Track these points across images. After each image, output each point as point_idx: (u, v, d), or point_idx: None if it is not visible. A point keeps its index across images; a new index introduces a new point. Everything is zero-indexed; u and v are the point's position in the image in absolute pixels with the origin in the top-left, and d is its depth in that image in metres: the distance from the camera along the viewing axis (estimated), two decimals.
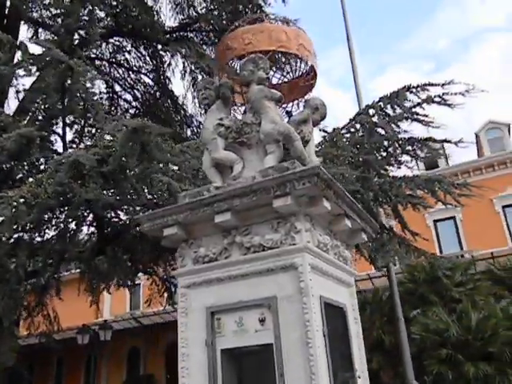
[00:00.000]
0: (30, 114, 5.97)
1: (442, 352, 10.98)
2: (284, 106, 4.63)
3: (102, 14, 9.49)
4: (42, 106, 5.57)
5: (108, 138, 5.13)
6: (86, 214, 6.54)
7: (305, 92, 4.64)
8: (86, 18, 5.94)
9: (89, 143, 5.79)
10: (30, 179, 5.10)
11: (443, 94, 6.17)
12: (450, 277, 12.92)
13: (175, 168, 5.90)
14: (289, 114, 4.67)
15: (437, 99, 6.17)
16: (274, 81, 4.60)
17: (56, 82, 5.09)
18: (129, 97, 12.75)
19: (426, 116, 6.22)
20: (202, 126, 4.07)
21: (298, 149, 3.64)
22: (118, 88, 12.74)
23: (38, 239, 6.27)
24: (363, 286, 14.79)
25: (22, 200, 4.19)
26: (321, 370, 2.92)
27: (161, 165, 5.28)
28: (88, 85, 5.16)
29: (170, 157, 5.13)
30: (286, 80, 4.69)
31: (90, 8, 6.09)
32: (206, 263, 3.48)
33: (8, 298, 5.57)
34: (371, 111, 6.21)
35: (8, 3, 7.43)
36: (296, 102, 4.71)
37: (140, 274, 10.75)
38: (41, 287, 7.90)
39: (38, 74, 5.58)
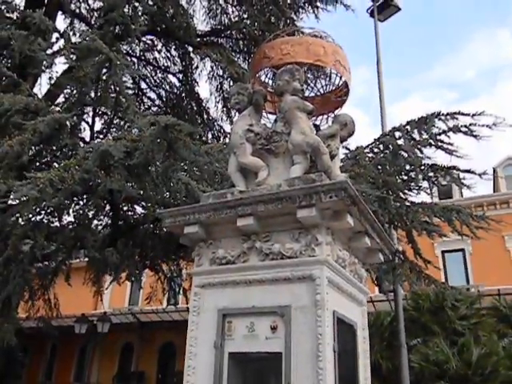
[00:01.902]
0: (63, 100, 6.10)
1: None
2: (313, 119, 4.67)
3: (139, 12, 9.67)
4: (76, 94, 5.68)
5: (135, 131, 5.21)
6: (103, 204, 6.61)
7: (335, 107, 4.67)
8: (129, 14, 6.07)
9: (116, 134, 5.88)
10: (56, 164, 5.20)
11: (470, 124, 6.17)
12: (454, 309, 12.76)
13: (195, 169, 5.96)
14: (317, 127, 4.71)
15: (463, 129, 6.17)
16: (307, 93, 4.63)
17: (94, 72, 5.21)
18: (153, 95, 12.90)
19: (451, 144, 6.22)
20: (232, 130, 4.12)
21: (325, 162, 3.66)
22: (143, 85, 12.92)
23: (56, 224, 6.36)
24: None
25: (48, 182, 4.27)
26: None
27: (183, 164, 5.34)
28: (124, 78, 5.26)
29: (195, 156, 5.19)
30: (318, 94, 4.73)
31: (135, 4, 6.23)
32: (222, 265, 3.50)
33: (19, 278, 5.65)
34: (397, 134, 6.23)
35: None
36: (325, 116, 4.75)
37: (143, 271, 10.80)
38: (50, 271, 7.96)
39: (74, 62, 5.70)
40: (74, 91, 5.58)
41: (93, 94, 5.70)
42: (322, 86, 4.71)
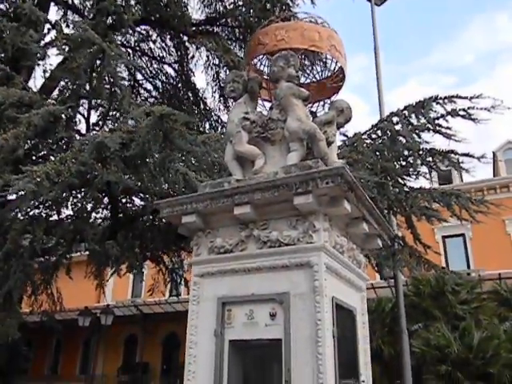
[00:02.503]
0: (58, 92, 6.05)
1: (441, 368, 10.91)
2: (309, 105, 4.63)
3: (132, 1, 9.57)
4: (70, 86, 5.63)
5: (131, 122, 5.17)
6: (102, 196, 6.59)
7: (331, 93, 4.63)
8: (121, 3, 5.98)
9: (111, 126, 5.84)
10: (52, 157, 5.17)
11: (469, 107, 6.12)
12: (455, 294, 12.82)
13: (193, 159, 5.92)
14: (313, 114, 4.67)
15: (462, 112, 6.12)
16: (302, 80, 4.59)
17: (87, 64, 5.15)
18: (149, 86, 12.80)
19: (449, 128, 6.18)
20: (228, 119, 4.09)
21: (321, 149, 3.63)
22: (139, 76, 12.80)
23: (55, 218, 6.35)
24: (366, 295, 14.73)
25: (45, 176, 4.25)
26: (328, 370, 2.93)
27: (180, 154, 5.31)
28: (119, 69, 5.21)
29: (192, 146, 5.16)
30: (314, 80, 4.69)
31: None
32: (221, 254, 3.50)
33: (20, 273, 5.66)
34: (395, 119, 6.18)
35: None
36: (322, 102, 4.71)
37: (145, 263, 10.81)
38: (51, 265, 7.98)
39: (67, 53, 5.64)
40: (69, 83, 5.52)
41: (88, 86, 5.65)
42: (318, 72, 4.67)
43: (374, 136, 6.25)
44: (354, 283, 3.77)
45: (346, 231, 3.68)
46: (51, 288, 10.79)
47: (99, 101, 6.01)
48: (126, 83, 12.17)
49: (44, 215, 5.95)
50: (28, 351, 19.76)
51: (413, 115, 6.06)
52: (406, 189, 6.57)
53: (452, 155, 6.25)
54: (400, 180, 6.49)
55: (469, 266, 18.35)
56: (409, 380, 7.97)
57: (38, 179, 4.15)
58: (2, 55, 6.69)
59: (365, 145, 5.97)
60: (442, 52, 63.60)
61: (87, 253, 8.77)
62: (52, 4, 10.24)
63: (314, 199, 3.17)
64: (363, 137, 6.16)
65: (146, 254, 8.42)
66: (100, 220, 7.86)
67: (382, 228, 3.99)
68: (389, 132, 6.05)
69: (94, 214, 7.20)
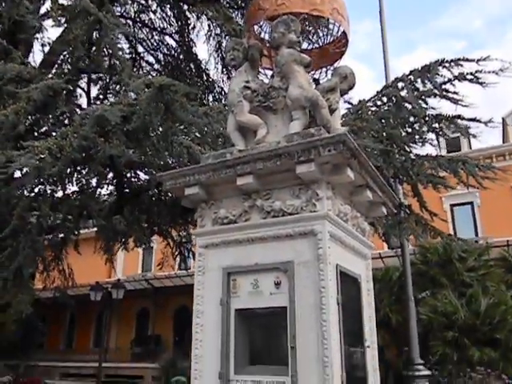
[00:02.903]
0: (56, 66, 5.96)
1: (448, 334, 11.08)
2: (312, 72, 4.53)
3: None
4: (69, 60, 5.54)
5: (132, 95, 5.10)
6: (106, 171, 6.59)
7: (334, 59, 4.52)
8: None
9: (113, 100, 5.77)
10: (54, 132, 5.14)
11: (476, 71, 5.94)
12: (462, 261, 12.86)
13: (196, 132, 5.86)
14: (316, 81, 4.56)
15: (469, 76, 5.95)
16: (304, 46, 4.46)
17: (83, 35, 5.04)
18: (151, 59, 12.59)
19: (456, 93, 6.02)
20: (228, 88, 4.01)
21: (324, 116, 3.56)
22: (140, 49, 12.57)
23: (60, 194, 6.38)
24: (374, 264, 14.72)
25: (47, 151, 4.24)
26: (332, 336, 2.96)
27: (183, 126, 5.25)
28: (117, 40, 5.10)
29: (193, 118, 5.09)
30: (316, 46, 4.57)
31: None
32: (225, 225, 3.50)
33: (29, 249, 5.74)
34: (400, 84, 6.03)
35: None
36: (324, 69, 4.60)
37: (154, 238, 10.92)
38: (59, 242, 8.08)
39: (65, 25, 5.53)
40: (67, 56, 5.43)
41: (87, 60, 5.55)
42: (320, 38, 4.53)
43: (378, 103, 6.11)
44: (358, 251, 3.76)
45: (350, 199, 3.65)
46: (62, 264, 10.96)
47: (99, 74, 5.92)
48: (127, 56, 12.03)
49: (49, 191, 5.98)
50: (43, 326, 20.33)
51: (418, 80, 5.90)
52: (412, 156, 6.48)
53: (459, 120, 6.12)
54: (406, 147, 6.39)
55: (477, 234, 18.32)
56: (415, 346, 8.09)
57: (41, 155, 4.15)
58: None
59: (370, 112, 5.85)
60: (452, 16, 61.66)
61: (95, 229, 8.88)
62: None
63: (316, 167, 3.13)
64: (368, 104, 6.04)
65: (153, 228, 8.48)
66: (106, 195, 7.89)
67: (387, 195, 3.95)
68: (394, 98, 5.92)
69: (99, 190, 7.22)
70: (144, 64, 12.59)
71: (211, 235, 3.55)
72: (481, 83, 6.00)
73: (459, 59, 5.86)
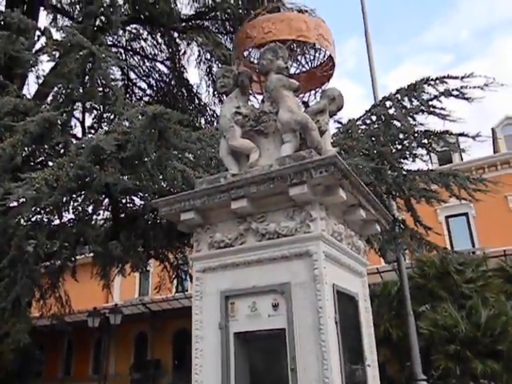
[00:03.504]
0: (51, 98, 6.08)
1: (449, 348, 11.01)
2: (301, 95, 4.65)
3: (120, 1, 9.55)
4: (63, 91, 5.66)
5: (126, 123, 5.20)
6: (102, 198, 6.64)
7: (322, 82, 4.64)
8: (108, 2, 5.97)
9: (107, 128, 5.87)
10: (50, 162, 5.21)
11: (461, 87, 6.12)
12: (460, 273, 12.87)
13: (190, 156, 5.96)
14: (305, 104, 4.69)
15: (455, 92, 6.12)
16: (292, 70, 4.60)
17: (78, 68, 5.17)
18: (143, 85, 12.81)
19: (443, 109, 6.18)
20: (220, 114, 4.11)
21: (314, 138, 3.65)
22: (133, 76, 12.80)
23: (57, 222, 6.41)
24: (372, 279, 14.79)
25: (43, 182, 4.29)
26: (332, 356, 2.98)
27: (177, 152, 5.34)
28: (109, 70, 5.22)
29: (186, 144, 5.18)
30: (304, 70, 4.70)
31: None
32: (221, 248, 3.54)
33: (26, 278, 5.74)
34: (388, 103, 6.19)
35: None
36: (313, 92, 4.72)
37: (150, 261, 10.90)
38: (56, 269, 8.06)
39: (58, 59, 5.67)
40: (62, 88, 5.55)
41: (81, 90, 5.66)
42: (307, 62, 4.67)
43: (368, 121, 6.26)
44: (354, 269, 3.81)
45: (344, 218, 3.72)
46: (59, 291, 10.90)
47: (93, 104, 6.03)
48: (120, 83, 12.26)
49: (46, 220, 6.01)
50: (40, 354, 19.99)
51: (405, 98, 6.07)
52: (404, 172, 6.59)
53: (447, 136, 6.26)
54: (397, 164, 6.51)
55: (474, 245, 18.37)
56: (417, 361, 8.06)
57: (37, 185, 4.20)
58: None
59: (360, 131, 5.98)
60: (437, 30, 63.09)
61: (92, 254, 8.87)
62: (42, 9, 10.23)
63: (308, 189, 3.21)
64: (358, 123, 6.17)
65: (149, 252, 8.48)
66: (102, 221, 7.92)
67: (380, 213, 4.02)
68: (383, 117, 6.07)
69: (95, 216, 7.25)
70: (136, 90, 12.81)
71: (208, 259, 3.59)
72: (466, 98, 6.16)
73: (444, 77, 6.04)
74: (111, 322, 16.00)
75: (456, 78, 6.00)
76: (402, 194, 6.89)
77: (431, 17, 61.00)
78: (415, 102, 6.09)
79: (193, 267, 3.70)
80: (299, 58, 4.99)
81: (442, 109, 6.20)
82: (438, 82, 6.04)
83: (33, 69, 6.39)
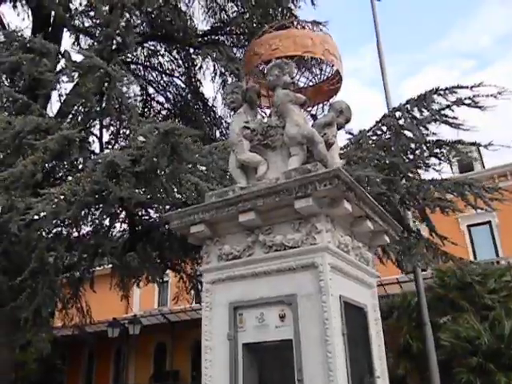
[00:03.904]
0: (71, 116, 6.34)
1: (472, 360, 10.75)
2: (309, 109, 4.73)
3: (138, 21, 9.91)
4: (82, 109, 5.90)
5: (141, 139, 5.38)
6: (118, 211, 6.83)
7: (330, 95, 4.72)
8: (124, 25, 6.22)
9: (123, 144, 6.08)
10: (70, 178, 5.42)
11: (474, 95, 6.10)
12: (482, 283, 12.57)
13: (203, 168, 6.10)
14: (314, 117, 4.77)
15: (467, 101, 6.10)
16: (301, 84, 4.69)
17: (95, 87, 5.41)
18: (161, 99, 13.15)
19: (456, 118, 6.16)
20: (229, 129, 4.23)
21: (321, 152, 3.72)
22: (151, 90, 13.18)
23: (75, 235, 6.63)
24: (392, 290, 14.61)
25: (62, 197, 4.48)
26: (338, 367, 3.01)
27: (190, 165, 5.48)
28: (124, 89, 5.44)
29: (198, 157, 5.32)
30: (311, 84, 4.78)
31: (128, 17, 6.39)
32: (229, 260, 3.62)
33: (47, 289, 5.94)
34: (398, 114, 6.21)
35: (53, 13, 7.92)
36: (321, 105, 4.80)
37: (168, 272, 11.07)
38: (76, 280, 8.28)
39: (78, 79, 5.93)
40: (80, 107, 5.80)
41: (98, 108, 5.89)
42: (316, 76, 4.75)
43: (379, 132, 6.29)
44: (362, 280, 3.83)
45: (351, 230, 3.76)
46: (80, 302, 11.15)
47: (110, 121, 6.26)
48: (139, 98, 12.65)
49: (65, 233, 6.22)
50: (62, 364, 20.35)
51: (415, 109, 6.08)
52: (417, 181, 6.56)
53: (459, 145, 6.23)
54: (410, 174, 6.49)
55: (497, 254, 17.91)
56: (435, 373, 7.91)
57: (56, 200, 4.39)
58: (20, 85, 7.03)
59: (370, 141, 6.01)
60: (459, 34, 62.31)
61: (111, 266, 9.07)
62: (65, 30, 10.65)
63: (314, 202, 3.26)
64: (368, 134, 6.21)
65: (166, 263, 8.63)
66: (119, 234, 8.12)
67: (388, 224, 4.04)
68: (393, 127, 6.09)
69: (112, 229, 7.45)
70: (155, 104, 13.16)
71: (217, 271, 3.67)
72: (479, 107, 6.13)
73: (454, 87, 6.04)
74: (130, 333, 16.19)
75: (466, 87, 5.99)
76: (417, 203, 6.85)
77: (448, 24, 60.43)
78: (425, 113, 6.10)
79: (203, 279, 3.79)
80: (307, 72, 5.09)
81: (454, 118, 6.18)
82: (447, 92, 6.04)
83: (55, 89, 6.67)
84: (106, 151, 5.56)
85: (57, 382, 19.75)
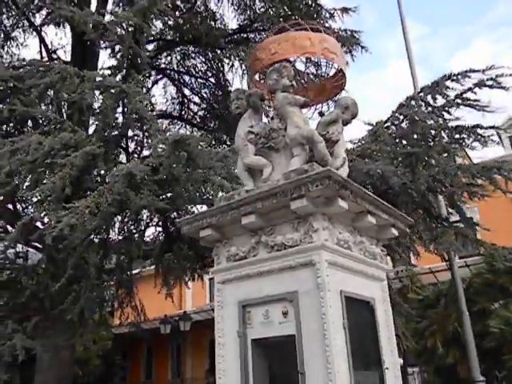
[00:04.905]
0: (93, 130, 6.80)
1: None
2: (317, 107, 4.81)
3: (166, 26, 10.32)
4: (108, 124, 6.33)
5: (161, 147, 5.69)
6: (152, 216, 7.23)
7: (336, 92, 4.76)
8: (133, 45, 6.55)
9: (147, 153, 6.44)
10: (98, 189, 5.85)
11: (496, 76, 5.84)
12: None
13: (218, 173, 6.32)
14: (321, 114, 4.83)
15: (489, 82, 5.86)
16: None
17: (113, 103, 5.82)
18: (197, 99, 13.59)
19: (478, 101, 5.94)
20: (236, 134, 4.41)
21: (320, 151, 3.81)
22: (187, 92, 13.65)
23: (111, 240, 7.10)
24: (442, 277, 14.18)
25: (87, 209, 4.89)
26: (337, 360, 3.13)
27: (205, 170, 5.73)
28: (144, 103, 5.78)
29: (212, 162, 5.55)
30: (317, 82, 4.85)
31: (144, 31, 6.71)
32: (237, 261, 3.82)
33: (89, 293, 6.45)
34: (413, 102, 6.08)
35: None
36: (328, 101, 4.85)
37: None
38: (128, 280, 8.83)
39: (98, 97, 6.38)
40: (107, 122, 6.23)
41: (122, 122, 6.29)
42: (322, 74, 4.81)
43: (396, 122, 6.20)
44: (369, 274, 3.90)
45: (353, 226, 3.83)
46: (134, 300, 11.84)
47: (133, 132, 6.65)
48: (176, 101, 13.19)
49: (97, 240, 6.71)
50: (122, 360, 21.61)
51: (428, 96, 5.93)
52: (441, 168, 6.39)
53: (479, 129, 6.00)
54: (433, 161, 6.34)
55: None
56: (475, 362, 7.70)
57: (80, 213, 4.80)
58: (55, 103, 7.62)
59: (388, 132, 5.94)
60: (503, 7, 58.22)
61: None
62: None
63: (308, 202, 3.39)
64: (386, 124, 6.14)
65: (204, 261, 8.97)
66: (156, 235, 8.56)
67: (395, 217, 4.07)
68: (409, 116, 5.98)
69: (146, 232, 7.87)
70: (192, 106, 13.64)
71: (226, 271, 3.89)
72: (503, 87, 5.88)
73: (466, 71, 5.82)
74: (181, 329, 16.87)
75: (478, 71, 5.75)
76: (445, 189, 6.69)
77: None
78: (439, 99, 5.94)
79: (214, 279, 4.02)
80: (316, 69, 5.17)
81: (476, 100, 5.96)
82: (459, 76, 5.84)
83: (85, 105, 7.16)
84: (126, 164, 5.96)
85: (118, 376, 20.99)
